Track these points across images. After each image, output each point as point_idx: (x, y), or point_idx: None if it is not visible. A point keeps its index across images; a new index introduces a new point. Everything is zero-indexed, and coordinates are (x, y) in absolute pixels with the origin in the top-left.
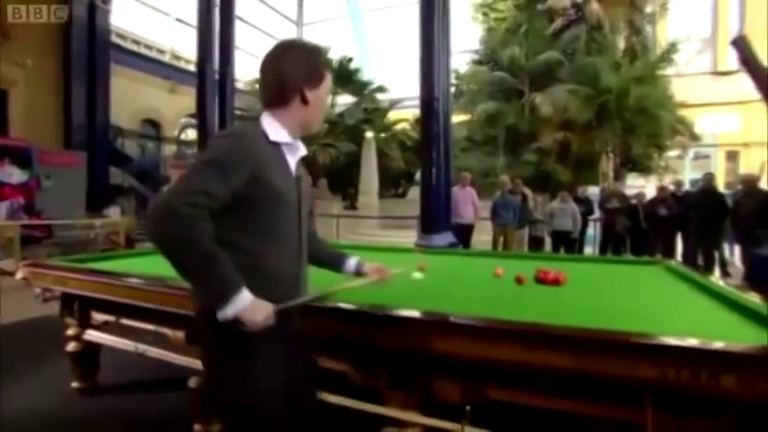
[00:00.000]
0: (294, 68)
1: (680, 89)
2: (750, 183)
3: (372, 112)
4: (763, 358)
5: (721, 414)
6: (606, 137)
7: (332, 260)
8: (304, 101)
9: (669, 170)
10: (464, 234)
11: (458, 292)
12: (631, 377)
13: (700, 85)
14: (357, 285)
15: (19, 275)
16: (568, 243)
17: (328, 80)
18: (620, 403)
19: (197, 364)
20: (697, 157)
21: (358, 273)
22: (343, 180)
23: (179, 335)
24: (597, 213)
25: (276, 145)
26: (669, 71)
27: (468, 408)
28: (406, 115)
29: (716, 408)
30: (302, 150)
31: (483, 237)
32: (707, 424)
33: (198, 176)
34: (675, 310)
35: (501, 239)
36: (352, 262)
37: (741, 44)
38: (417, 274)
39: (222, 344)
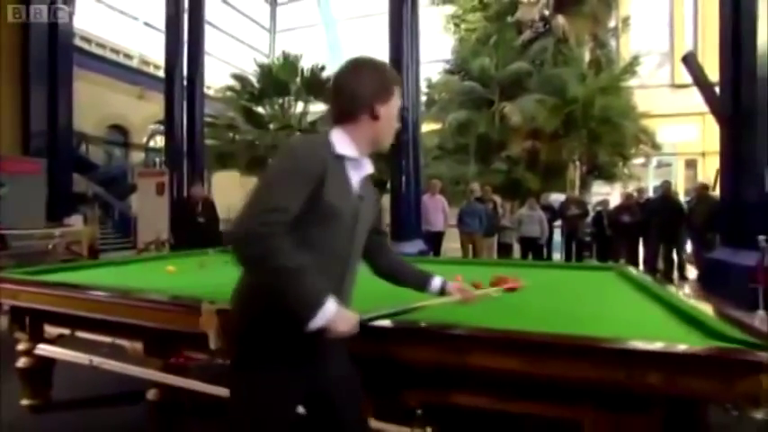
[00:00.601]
0: (364, 84)
1: (642, 100)
2: (702, 190)
3: None
4: (681, 356)
5: (650, 410)
6: (573, 145)
7: (415, 279)
8: (374, 116)
9: (633, 178)
10: (434, 241)
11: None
12: (575, 378)
13: (660, 97)
14: (440, 304)
15: None
16: (536, 249)
17: (397, 95)
18: (562, 403)
19: (155, 375)
20: (660, 165)
21: (442, 292)
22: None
23: (137, 346)
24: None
25: (340, 158)
26: (632, 83)
27: (419, 411)
28: None
29: (645, 405)
30: (368, 168)
31: (454, 244)
32: (639, 420)
33: (270, 192)
34: (617, 313)
35: (470, 246)
36: (437, 281)
37: (690, 61)
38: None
39: (255, 358)
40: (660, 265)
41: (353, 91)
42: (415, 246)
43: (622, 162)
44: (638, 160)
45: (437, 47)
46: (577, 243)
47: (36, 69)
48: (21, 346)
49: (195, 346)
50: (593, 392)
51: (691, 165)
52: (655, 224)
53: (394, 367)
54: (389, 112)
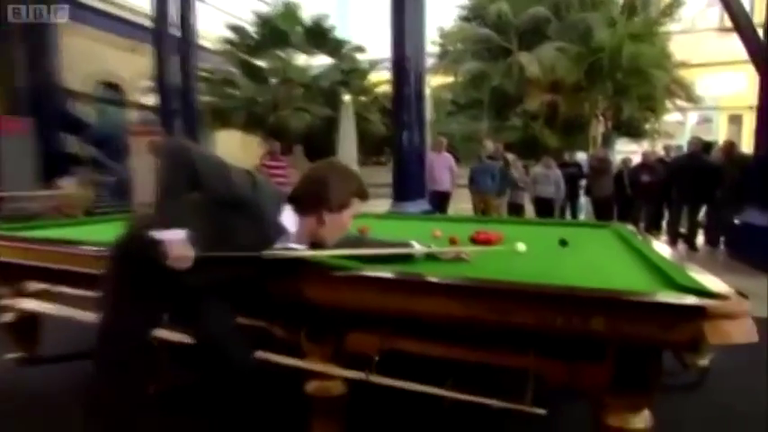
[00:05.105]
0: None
1: (684, 48)
2: (728, 149)
3: (350, 74)
4: (624, 302)
5: (604, 358)
6: (596, 99)
7: None
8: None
9: (665, 135)
10: (441, 202)
11: None
12: (513, 323)
13: (706, 43)
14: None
15: None
16: (551, 211)
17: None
18: (514, 351)
19: None
20: (700, 121)
21: None
22: (320, 147)
23: None
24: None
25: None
26: (674, 27)
27: (375, 358)
28: (387, 77)
29: (599, 354)
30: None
31: (462, 205)
32: (593, 368)
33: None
34: (585, 264)
35: (481, 207)
36: None
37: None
38: (521, 246)
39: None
40: (684, 228)
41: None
42: (419, 206)
43: (654, 117)
44: (675, 116)
45: None
46: (599, 203)
47: (16, 24)
48: (4, 301)
49: None
50: (541, 341)
51: (735, 120)
52: (678, 185)
53: (342, 312)
54: None
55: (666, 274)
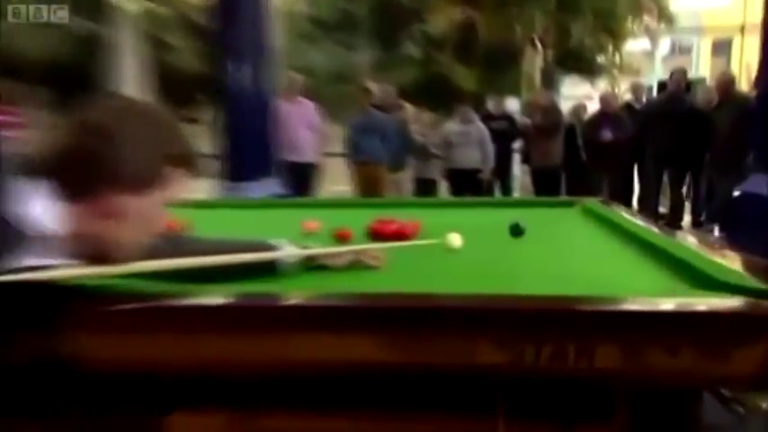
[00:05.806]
0: None
1: None
2: (726, 86)
3: None
4: (649, 317)
5: (614, 413)
6: (531, 16)
7: None
8: None
9: (628, 70)
10: (302, 180)
11: None
12: (466, 368)
13: None
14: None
15: None
16: (476, 187)
17: None
18: (472, 416)
19: None
20: (674, 50)
21: None
22: (77, 89)
23: None
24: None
25: None
26: None
27: None
28: None
29: (607, 405)
30: None
31: (338, 186)
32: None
33: None
34: (561, 265)
35: (366, 186)
36: None
37: None
38: (456, 240)
39: None
40: (663, 207)
41: None
42: (266, 187)
43: (612, 44)
44: (640, 43)
45: None
46: (537, 174)
47: None
48: None
49: None
50: (515, 393)
51: (721, 48)
52: (655, 142)
53: (152, 378)
54: None
55: (693, 267)
